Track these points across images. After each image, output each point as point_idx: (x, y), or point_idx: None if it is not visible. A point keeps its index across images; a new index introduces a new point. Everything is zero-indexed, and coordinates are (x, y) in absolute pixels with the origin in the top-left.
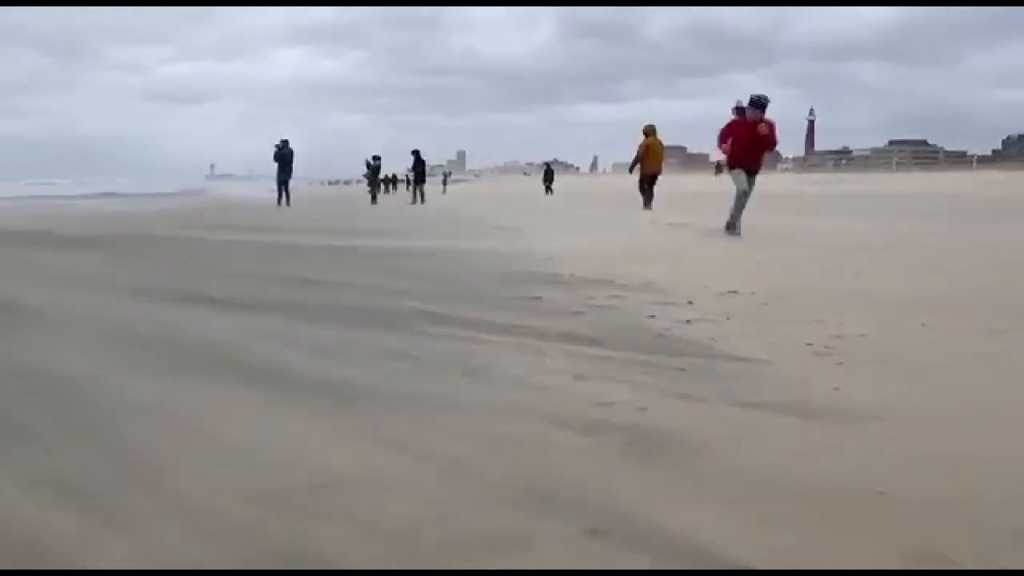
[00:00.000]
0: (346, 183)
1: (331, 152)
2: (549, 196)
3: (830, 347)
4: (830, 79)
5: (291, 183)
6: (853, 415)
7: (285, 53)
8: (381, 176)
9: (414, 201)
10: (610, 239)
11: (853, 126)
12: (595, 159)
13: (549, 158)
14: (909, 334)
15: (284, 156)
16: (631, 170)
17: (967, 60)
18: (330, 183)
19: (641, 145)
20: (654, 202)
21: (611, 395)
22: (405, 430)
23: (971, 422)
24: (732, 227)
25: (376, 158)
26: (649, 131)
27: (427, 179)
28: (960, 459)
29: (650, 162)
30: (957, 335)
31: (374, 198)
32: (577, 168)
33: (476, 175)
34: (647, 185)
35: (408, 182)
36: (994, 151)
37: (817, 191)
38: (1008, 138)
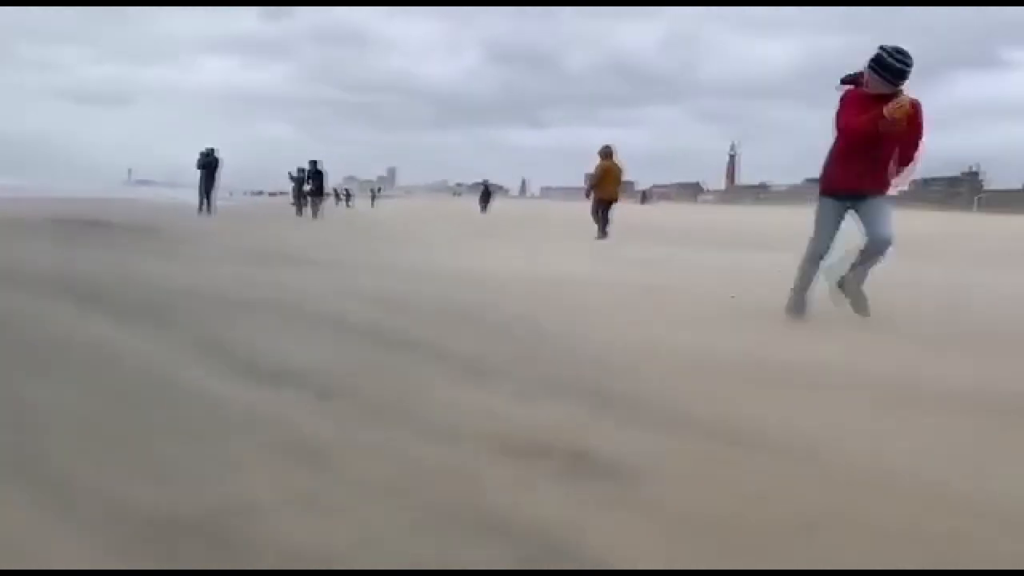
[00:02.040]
0: (271, 195)
1: (258, 163)
2: (485, 215)
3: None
4: (745, 117)
5: (215, 192)
6: (779, 443)
7: (210, 61)
8: (307, 188)
9: (299, 213)
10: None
11: (771, 163)
12: (524, 182)
13: (478, 179)
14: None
15: (210, 164)
16: (587, 194)
17: None
18: (255, 194)
19: (598, 168)
20: (611, 228)
21: (547, 418)
22: (325, 453)
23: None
24: (796, 306)
25: (301, 170)
26: (606, 153)
27: (349, 194)
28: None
29: (606, 186)
30: None
31: (299, 210)
32: (507, 190)
33: (407, 192)
34: (602, 211)
35: (307, 195)
36: (901, 192)
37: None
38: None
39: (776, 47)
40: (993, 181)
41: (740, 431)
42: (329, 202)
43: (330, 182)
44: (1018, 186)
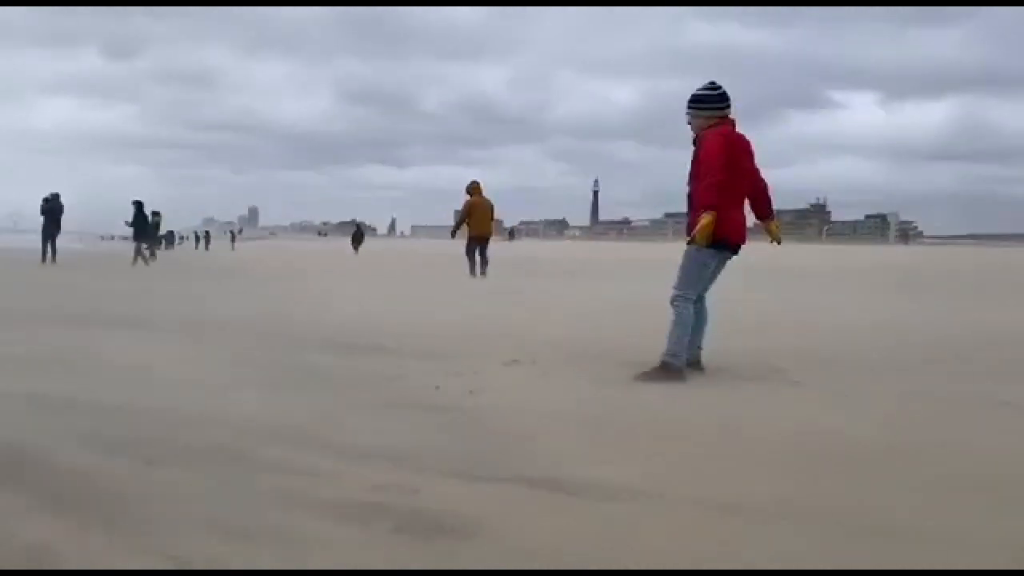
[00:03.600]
0: (124, 238)
1: (113, 206)
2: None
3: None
4: (596, 156)
5: (59, 238)
6: (619, 491)
7: (50, 102)
8: (162, 233)
9: (135, 262)
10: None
11: (626, 198)
12: (393, 221)
13: (344, 217)
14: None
15: (53, 210)
16: (454, 233)
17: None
18: (102, 238)
19: (466, 204)
20: (490, 268)
21: (385, 477)
22: (152, 526)
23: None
24: (672, 366)
25: (155, 213)
26: (473, 189)
27: (208, 236)
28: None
29: (476, 223)
30: None
31: (152, 254)
32: (375, 229)
33: (272, 233)
34: (476, 249)
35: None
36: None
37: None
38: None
39: (620, 90)
40: (838, 212)
41: None
42: (187, 246)
43: (190, 224)
44: (861, 216)
